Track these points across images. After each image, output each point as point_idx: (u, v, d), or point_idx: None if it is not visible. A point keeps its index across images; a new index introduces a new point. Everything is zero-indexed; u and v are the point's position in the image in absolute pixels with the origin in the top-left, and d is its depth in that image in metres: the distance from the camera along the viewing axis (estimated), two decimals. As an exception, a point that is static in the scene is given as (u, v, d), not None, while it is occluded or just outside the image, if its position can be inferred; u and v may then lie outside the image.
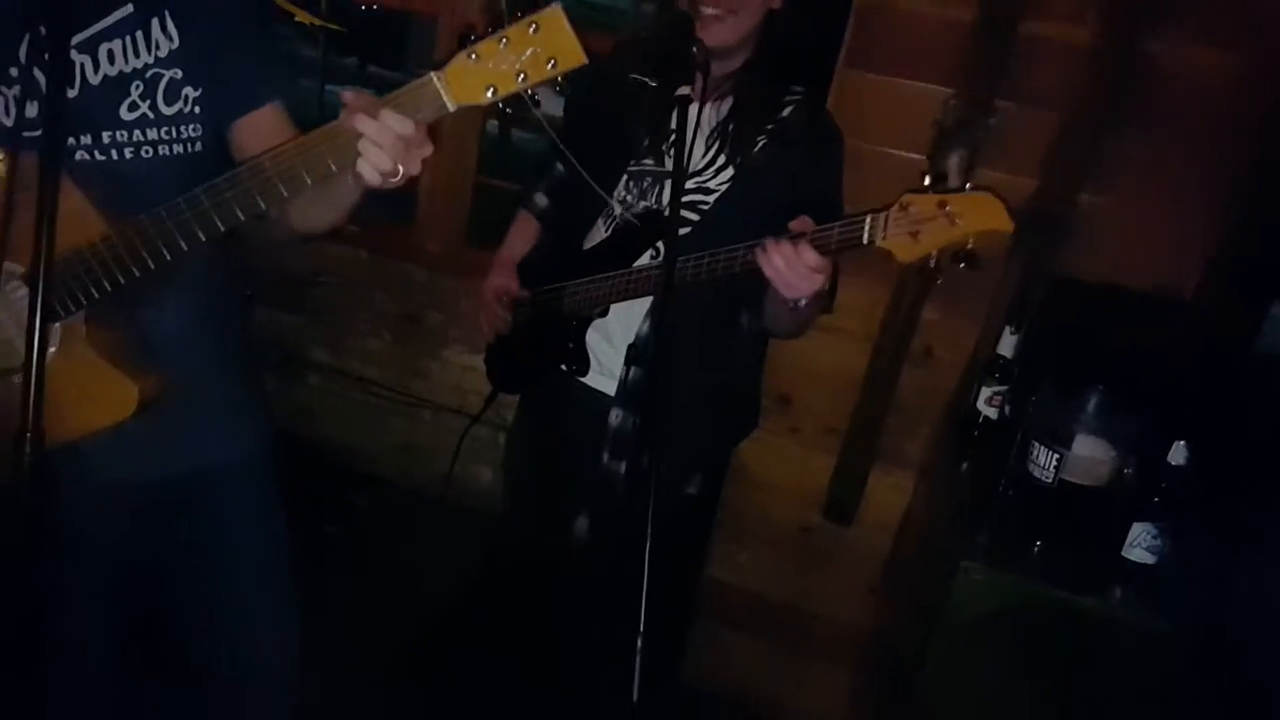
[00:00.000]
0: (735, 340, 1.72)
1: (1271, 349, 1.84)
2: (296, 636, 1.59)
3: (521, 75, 1.02)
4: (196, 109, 1.24)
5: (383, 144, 1.03)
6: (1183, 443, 1.42)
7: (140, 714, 1.66)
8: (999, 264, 1.97)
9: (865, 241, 1.36)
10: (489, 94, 1.03)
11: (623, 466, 1.78)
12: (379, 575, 2.65)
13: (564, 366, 1.79)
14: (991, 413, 1.79)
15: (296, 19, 3.00)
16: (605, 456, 1.75)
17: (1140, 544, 1.47)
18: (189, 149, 1.24)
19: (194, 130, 1.24)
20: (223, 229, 1.11)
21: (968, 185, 1.34)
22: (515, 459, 2.09)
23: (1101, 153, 1.89)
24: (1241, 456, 1.53)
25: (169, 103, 1.22)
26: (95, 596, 1.41)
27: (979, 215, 1.30)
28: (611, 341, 1.74)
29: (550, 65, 1.01)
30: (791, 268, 1.37)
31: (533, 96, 1.08)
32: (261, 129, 1.25)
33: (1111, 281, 1.83)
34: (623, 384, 1.73)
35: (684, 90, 1.42)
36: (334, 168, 1.08)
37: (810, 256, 1.36)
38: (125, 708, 1.56)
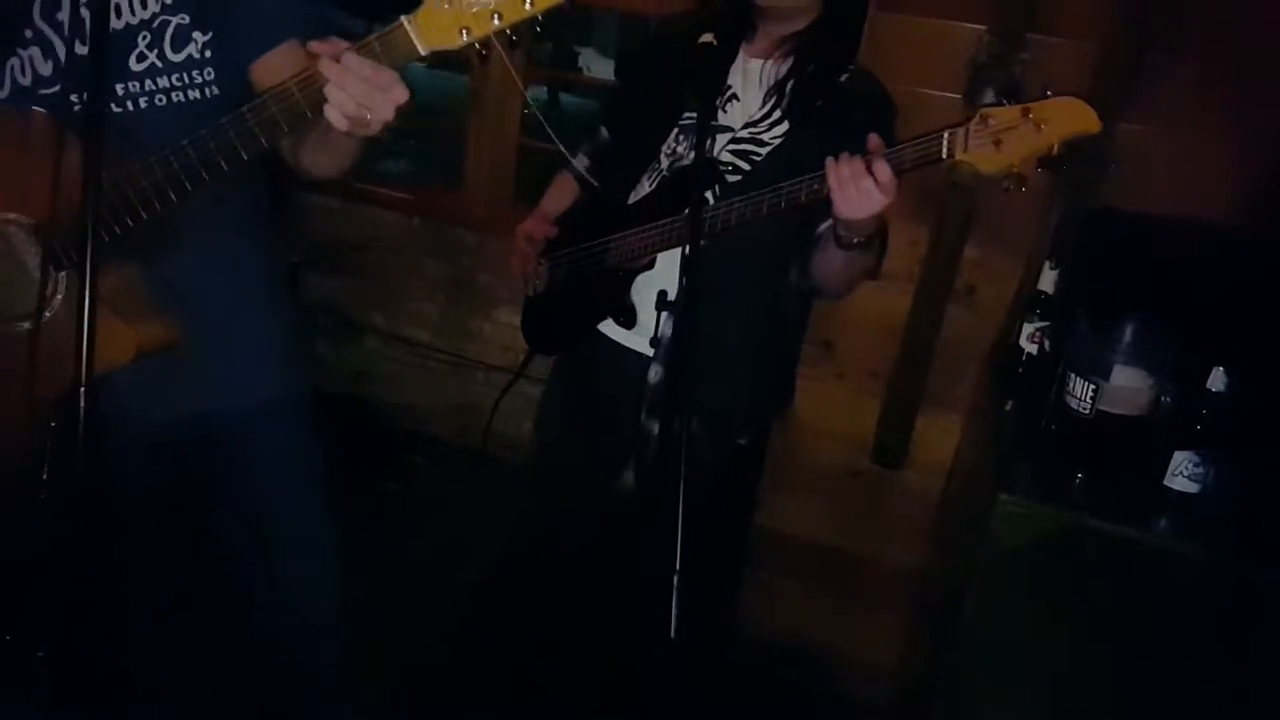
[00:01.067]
0: (781, 296, 1.73)
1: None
2: (332, 575, 1.64)
3: (496, 15, 0.97)
4: (207, 53, 1.24)
5: (345, 87, 1.01)
6: (1222, 369, 1.40)
7: (183, 649, 1.75)
8: (1040, 198, 1.95)
9: (945, 156, 1.34)
10: (463, 36, 0.99)
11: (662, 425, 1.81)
12: (436, 530, 2.76)
13: (612, 319, 1.79)
14: (1034, 349, 1.79)
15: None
16: (643, 415, 1.77)
17: (1182, 473, 1.47)
18: (204, 94, 1.25)
19: (207, 75, 1.25)
20: (208, 178, 1.11)
21: (1049, 93, 1.31)
22: (551, 420, 2.11)
23: (1140, 82, 1.84)
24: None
25: (177, 49, 1.22)
26: (139, 536, 1.47)
27: (1066, 119, 1.29)
28: (646, 304, 1.74)
29: (527, 4, 0.96)
30: (858, 177, 1.35)
31: (512, 38, 1.02)
32: (281, 70, 1.21)
33: (1152, 212, 1.80)
34: (657, 341, 1.73)
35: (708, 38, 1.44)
36: (309, 114, 1.06)
37: (882, 168, 1.35)
38: (169, 643, 1.64)
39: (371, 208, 3.09)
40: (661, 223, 1.65)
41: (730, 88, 1.68)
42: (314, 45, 1.04)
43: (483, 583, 2.55)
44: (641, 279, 1.75)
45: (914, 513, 2.28)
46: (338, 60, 1.00)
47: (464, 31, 0.98)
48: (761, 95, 1.65)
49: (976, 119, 1.32)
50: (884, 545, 2.34)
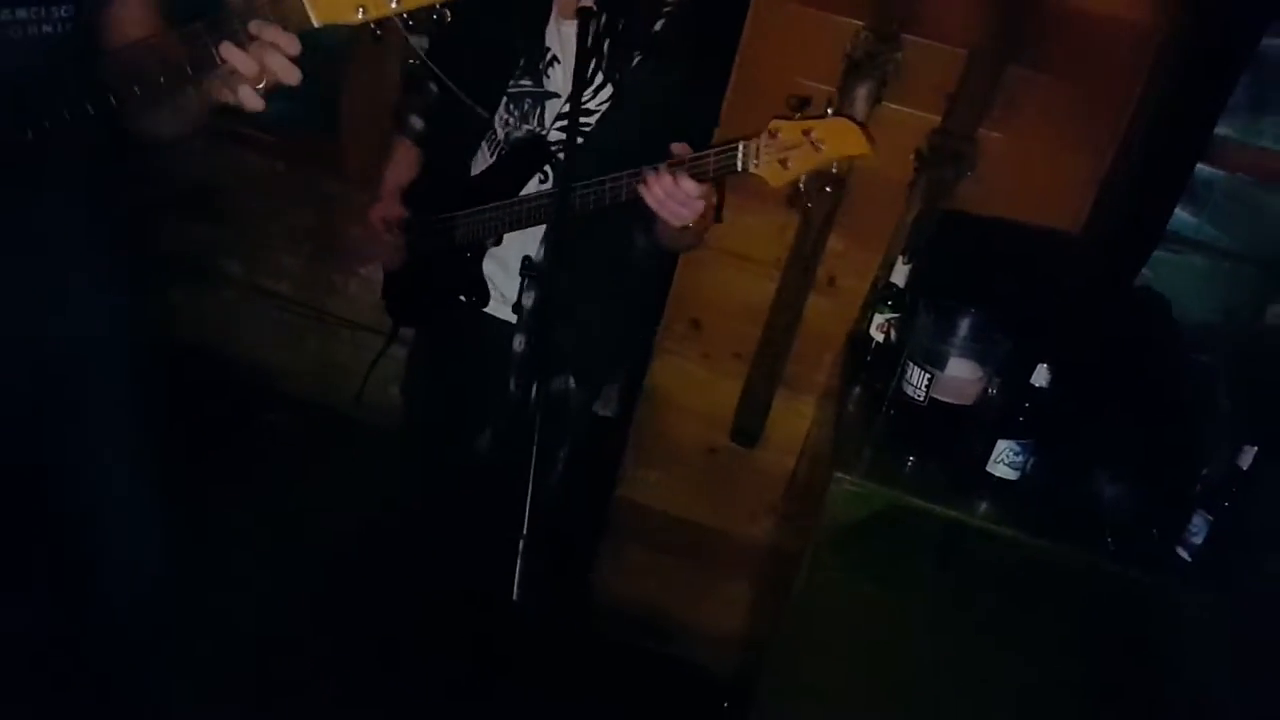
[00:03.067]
0: (631, 256, 1.75)
1: (1146, 283, 1.96)
2: (154, 534, 1.59)
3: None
4: None
5: (260, 57, 0.98)
6: (1045, 366, 1.50)
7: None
8: (900, 194, 2.03)
9: (739, 169, 1.41)
10: (359, 14, 0.96)
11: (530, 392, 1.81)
12: (292, 492, 2.67)
13: (463, 298, 1.78)
14: (881, 338, 1.87)
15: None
16: (512, 384, 1.76)
17: (1004, 460, 1.57)
18: (59, 29, 1.20)
19: (65, 11, 1.20)
20: (49, 126, 1.07)
21: (830, 110, 1.40)
22: (417, 387, 2.09)
23: (1001, 90, 1.94)
24: (1102, 382, 1.63)
25: None
26: None
27: (840, 140, 1.38)
28: (508, 270, 1.75)
29: None
30: (672, 197, 1.42)
31: (407, 22, 1.02)
32: (128, 18, 1.20)
33: (1002, 215, 1.91)
34: (521, 310, 1.74)
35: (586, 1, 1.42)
36: (190, 71, 1.02)
37: (689, 185, 1.41)
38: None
39: (236, 149, 2.93)
40: (505, 204, 1.64)
41: (549, 50, 1.65)
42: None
43: (337, 547, 2.51)
44: (496, 250, 1.74)
45: (766, 490, 2.36)
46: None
47: (361, 10, 0.96)
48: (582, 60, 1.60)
49: (766, 133, 1.39)
50: (735, 519, 2.41)
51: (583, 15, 1.47)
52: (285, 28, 0.98)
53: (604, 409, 2.19)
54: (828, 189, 1.44)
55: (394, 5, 0.96)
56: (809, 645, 1.68)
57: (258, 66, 0.98)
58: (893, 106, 2.02)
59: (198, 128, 1.23)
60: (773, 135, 1.39)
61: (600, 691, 2.38)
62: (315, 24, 0.98)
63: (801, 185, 1.43)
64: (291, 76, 1.00)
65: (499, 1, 1.63)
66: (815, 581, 1.62)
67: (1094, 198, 1.97)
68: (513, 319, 1.76)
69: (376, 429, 2.78)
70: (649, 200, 1.44)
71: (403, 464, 2.18)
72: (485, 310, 1.78)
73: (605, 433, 2.31)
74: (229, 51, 0.98)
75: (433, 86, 1.81)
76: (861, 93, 1.99)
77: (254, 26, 0.97)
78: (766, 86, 2.01)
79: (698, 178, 1.42)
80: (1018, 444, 1.55)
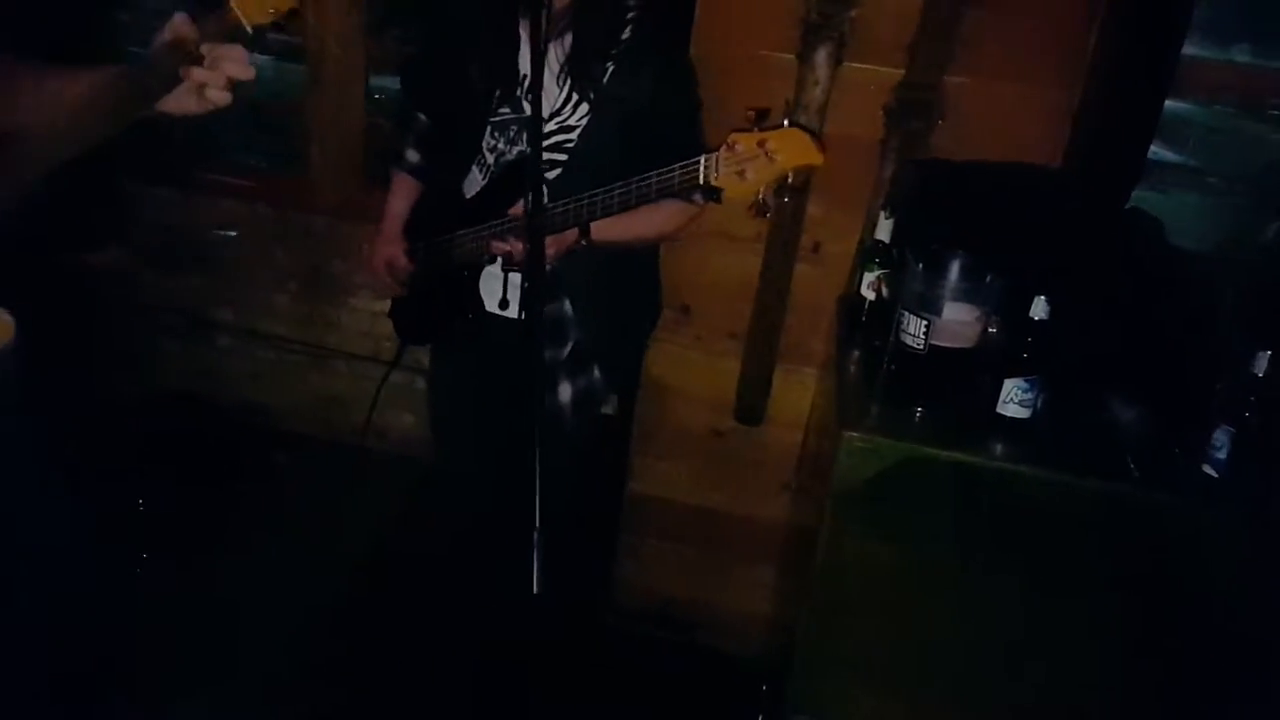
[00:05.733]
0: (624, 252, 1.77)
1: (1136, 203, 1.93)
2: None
3: None
4: None
5: (221, 66, 1.13)
6: (1043, 298, 1.48)
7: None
8: (873, 152, 2.02)
9: (702, 181, 1.46)
10: (270, 13, 1.10)
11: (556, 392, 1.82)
12: (308, 527, 2.66)
13: (464, 315, 1.83)
14: (873, 296, 1.85)
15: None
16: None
17: (1013, 399, 1.54)
18: None
19: None
20: None
21: (785, 121, 1.44)
22: (440, 403, 2.11)
23: (960, 36, 1.93)
24: (1103, 307, 1.61)
25: None
26: None
27: (792, 151, 1.42)
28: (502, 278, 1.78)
29: None
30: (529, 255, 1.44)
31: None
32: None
33: (977, 160, 1.89)
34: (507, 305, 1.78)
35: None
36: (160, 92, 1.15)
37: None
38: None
39: (213, 197, 2.94)
40: (495, 224, 1.69)
41: (525, 76, 1.68)
42: (181, 23, 1.13)
43: (361, 565, 2.51)
44: (492, 268, 1.78)
45: (776, 467, 2.34)
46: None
47: (272, 10, 1.10)
48: (555, 81, 1.66)
49: (725, 146, 1.44)
50: (749, 501, 2.39)
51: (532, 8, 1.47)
52: (230, 40, 1.13)
53: (606, 405, 2.18)
54: (786, 199, 1.47)
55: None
56: (838, 612, 1.65)
57: (221, 75, 1.13)
58: (855, 66, 2.01)
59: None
60: (731, 147, 1.43)
61: (628, 686, 2.35)
62: (249, 30, 1.11)
63: (761, 196, 1.46)
64: (248, 73, 1.14)
65: (469, 36, 1.69)
66: (836, 547, 1.60)
67: (1070, 132, 1.96)
68: (510, 314, 1.78)
69: (387, 455, 2.78)
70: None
71: (432, 486, 2.22)
72: (490, 311, 1.80)
73: (607, 428, 2.30)
74: (195, 73, 1.12)
75: (420, 116, 1.87)
76: (822, 55, 1.98)
77: (205, 49, 1.12)
78: (726, 62, 2.00)
79: (665, 192, 1.50)
80: (1025, 381, 1.52)
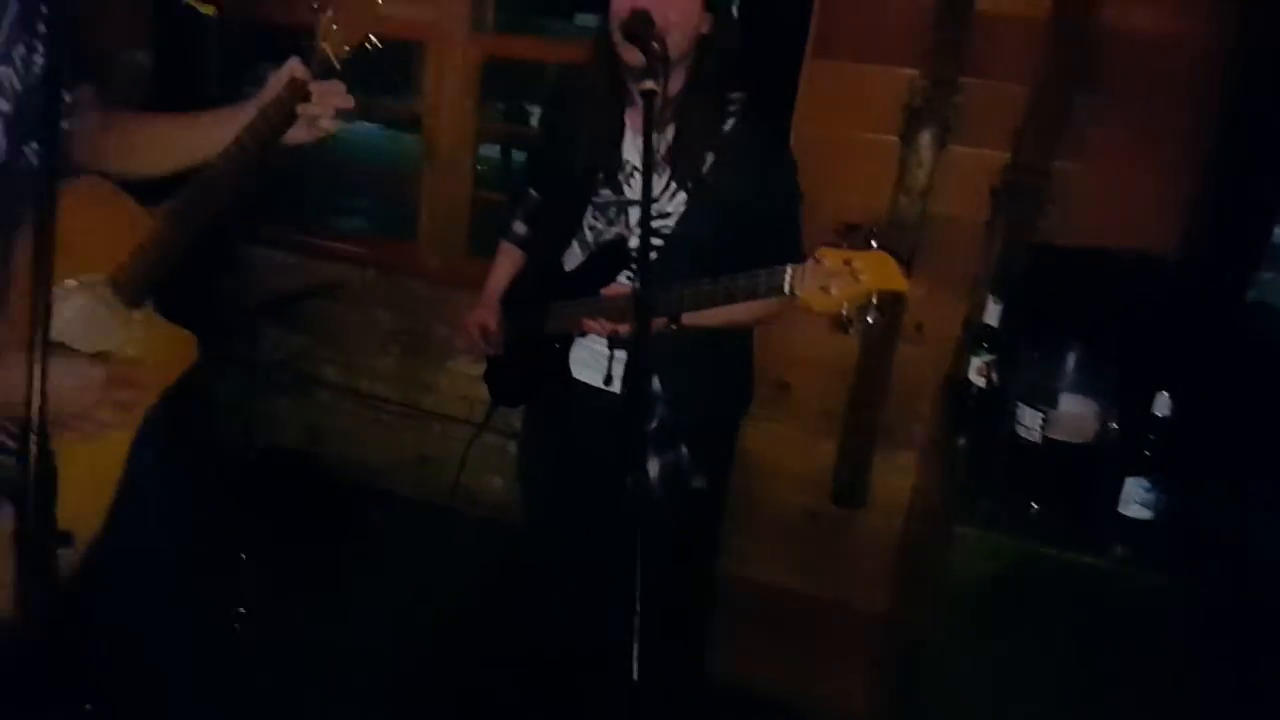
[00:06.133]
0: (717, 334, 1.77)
1: (1261, 297, 1.85)
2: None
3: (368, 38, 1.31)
4: None
5: (328, 100, 1.32)
6: (1165, 394, 1.42)
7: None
8: (978, 234, 1.99)
9: (787, 292, 1.46)
10: (346, 50, 1.30)
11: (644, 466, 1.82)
12: (397, 585, 2.70)
13: (551, 384, 1.85)
14: (982, 382, 1.81)
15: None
16: (622, 457, 1.78)
17: (1135, 499, 1.48)
18: None
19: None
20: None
21: (873, 243, 1.43)
22: (529, 469, 2.13)
23: (1071, 120, 1.91)
24: (1231, 404, 1.54)
25: None
26: None
27: (878, 274, 1.41)
28: (596, 348, 1.80)
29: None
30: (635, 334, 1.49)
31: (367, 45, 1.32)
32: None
33: (1088, 245, 1.85)
34: (610, 378, 1.79)
35: (648, 85, 1.44)
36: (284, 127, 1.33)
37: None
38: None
39: (326, 262, 3.07)
40: (590, 301, 1.72)
41: (628, 162, 1.73)
42: (296, 67, 1.31)
43: (454, 633, 2.52)
44: (583, 340, 1.80)
45: (876, 553, 2.27)
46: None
47: (348, 47, 1.30)
48: (655, 166, 1.67)
49: (812, 260, 1.44)
50: (846, 588, 2.32)
51: (646, 96, 1.50)
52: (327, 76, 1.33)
53: (697, 480, 2.17)
54: (869, 319, 1.44)
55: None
56: (941, 713, 1.58)
57: (330, 106, 1.32)
58: (959, 149, 2.00)
59: None
60: (818, 261, 1.43)
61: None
62: (337, 64, 1.31)
63: (845, 311, 1.44)
64: (348, 102, 1.33)
65: (580, 123, 1.74)
66: (942, 644, 1.54)
67: (1187, 217, 1.90)
68: (614, 389, 1.79)
69: (478, 517, 2.82)
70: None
71: (520, 547, 2.21)
72: (583, 381, 1.82)
73: (701, 503, 2.27)
74: (308, 107, 1.30)
75: (532, 192, 1.94)
76: (926, 138, 1.98)
77: (313, 87, 1.30)
78: (828, 145, 2.02)
79: (749, 296, 1.51)
80: (1148, 480, 1.46)
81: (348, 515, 2.99)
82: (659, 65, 1.45)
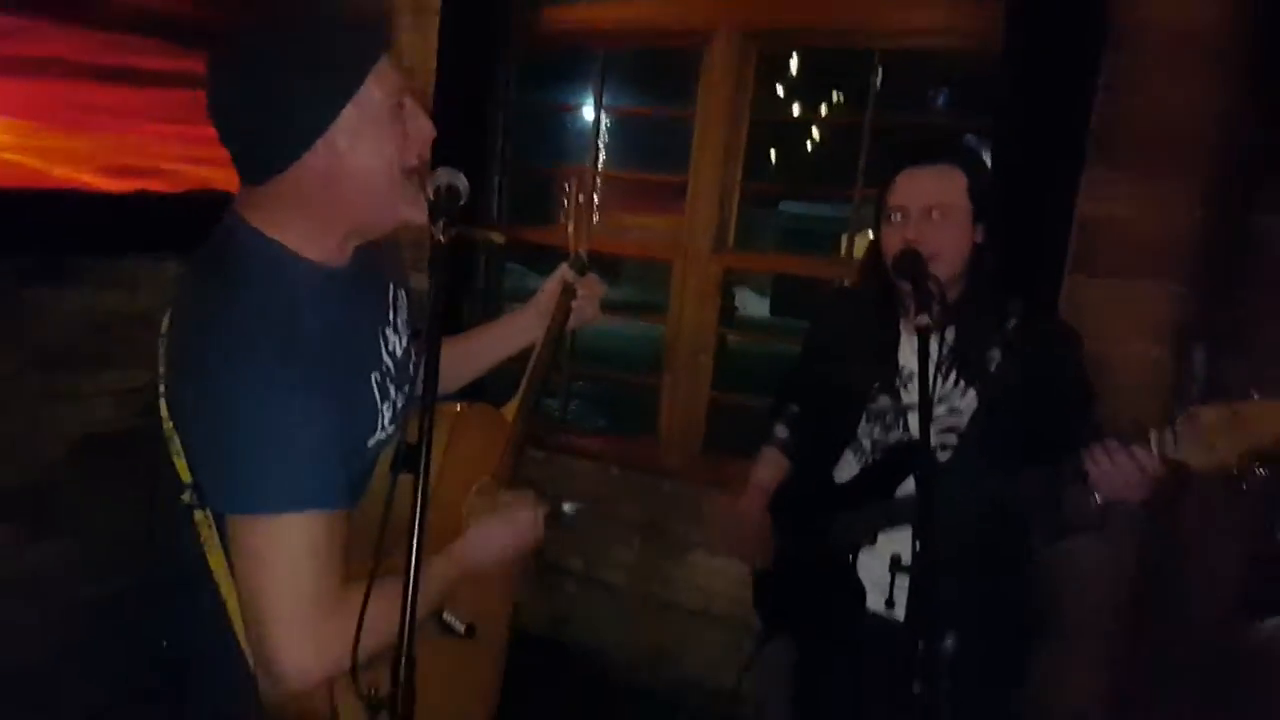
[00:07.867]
0: (1016, 561, 1.74)
1: None
2: None
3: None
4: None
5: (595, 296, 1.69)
6: None
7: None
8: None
9: (1155, 452, 1.39)
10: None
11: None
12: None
13: (842, 598, 1.80)
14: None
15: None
16: (916, 685, 1.71)
17: None
18: None
19: None
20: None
21: (1254, 394, 1.35)
22: (808, 695, 2.01)
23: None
24: None
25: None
26: None
27: (1273, 420, 1.31)
28: (881, 566, 1.75)
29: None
30: (1121, 470, 1.42)
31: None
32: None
33: None
34: (891, 602, 1.73)
35: (923, 320, 1.45)
36: (564, 319, 1.65)
37: (1147, 457, 1.40)
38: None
39: (572, 458, 3.30)
40: (881, 504, 1.70)
41: (905, 367, 1.74)
42: (566, 271, 1.64)
43: None
44: (870, 548, 1.77)
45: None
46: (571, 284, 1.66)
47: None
48: (939, 371, 1.63)
49: (1184, 418, 1.37)
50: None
51: (922, 334, 1.57)
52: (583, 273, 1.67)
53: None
54: (1261, 470, 1.36)
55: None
56: None
57: (594, 297, 1.68)
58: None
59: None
60: (1191, 418, 1.37)
61: None
62: (585, 260, 1.67)
63: (1235, 470, 1.34)
64: (602, 289, 1.67)
65: (854, 339, 1.79)
66: None
67: None
68: (897, 616, 1.73)
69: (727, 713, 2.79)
70: (1096, 471, 1.45)
71: None
72: (867, 608, 1.78)
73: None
74: (577, 303, 1.65)
75: (793, 406, 1.98)
76: (1198, 356, 1.95)
77: (578, 282, 1.65)
78: (1099, 359, 2.02)
79: (1102, 468, 1.43)
80: None
81: (590, 704, 3.06)
82: (933, 303, 1.47)
